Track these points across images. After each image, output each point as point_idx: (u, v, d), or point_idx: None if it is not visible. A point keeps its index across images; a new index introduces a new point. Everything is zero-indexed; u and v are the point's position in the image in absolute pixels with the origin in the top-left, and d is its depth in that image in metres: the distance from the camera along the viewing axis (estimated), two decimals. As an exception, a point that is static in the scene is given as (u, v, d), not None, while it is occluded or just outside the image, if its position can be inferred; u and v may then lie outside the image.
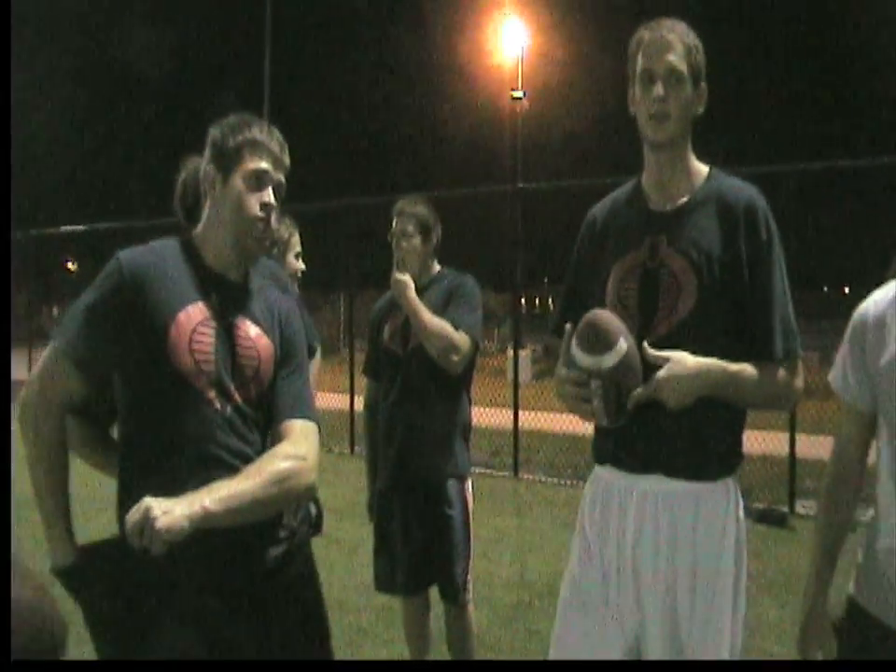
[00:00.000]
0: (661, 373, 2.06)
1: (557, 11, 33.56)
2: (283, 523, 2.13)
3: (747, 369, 2.12)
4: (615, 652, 2.18)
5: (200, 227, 2.15)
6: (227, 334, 2.06)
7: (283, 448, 2.04)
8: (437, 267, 3.70)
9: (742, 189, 2.20)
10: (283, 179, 2.14)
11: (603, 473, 2.28)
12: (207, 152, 2.15)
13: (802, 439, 7.49)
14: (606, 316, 2.11)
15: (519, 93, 25.67)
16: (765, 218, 2.16)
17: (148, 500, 1.80)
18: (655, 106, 2.15)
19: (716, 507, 2.15)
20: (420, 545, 3.54)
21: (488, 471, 8.82)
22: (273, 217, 2.11)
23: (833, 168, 8.30)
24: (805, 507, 7.14)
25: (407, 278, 3.47)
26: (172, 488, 1.87)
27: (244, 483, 1.93)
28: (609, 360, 2.05)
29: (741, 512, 2.19)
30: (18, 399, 2.04)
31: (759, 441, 7.36)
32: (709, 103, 2.27)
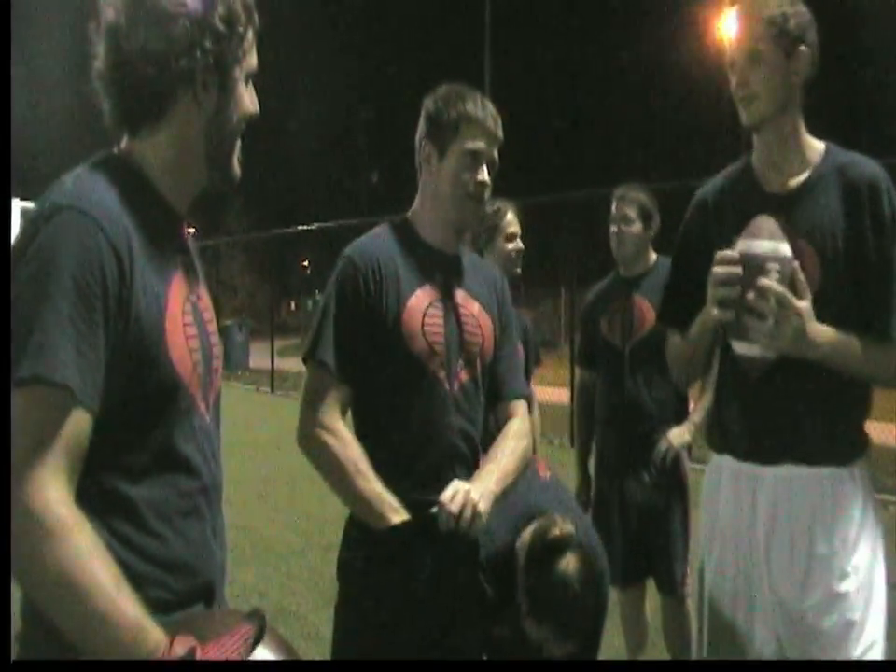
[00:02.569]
0: (808, 303, 1.95)
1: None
2: None
3: (854, 340, 2.00)
4: (766, 651, 2.09)
5: (416, 202, 2.20)
6: (453, 313, 2.11)
7: (519, 426, 2.15)
8: (653, 256, 3.65)
9: (865, 165, 2.10)
10: (496, 155, 2.15)
11: (724, 462, 2.21)
12: (422, 125, 2.15)
13: None
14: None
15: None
16: (889, 195, 2.05)
17: (468, 487, 1.90)
18: (739, 91, 2.09)
19: (854, 491, 2.07)
20: (638, 536, 3.53)
21: (699, 466, 8.56)
22: (487, 193, 2.15)
23: None
24: None
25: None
26: (399, 467, 1.97)
27: (509, 462, 2.04)
28: (788, 249, 1.97)
29: (874, 498, 2.12)
30: (297, 427, 2.09)
31: None
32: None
